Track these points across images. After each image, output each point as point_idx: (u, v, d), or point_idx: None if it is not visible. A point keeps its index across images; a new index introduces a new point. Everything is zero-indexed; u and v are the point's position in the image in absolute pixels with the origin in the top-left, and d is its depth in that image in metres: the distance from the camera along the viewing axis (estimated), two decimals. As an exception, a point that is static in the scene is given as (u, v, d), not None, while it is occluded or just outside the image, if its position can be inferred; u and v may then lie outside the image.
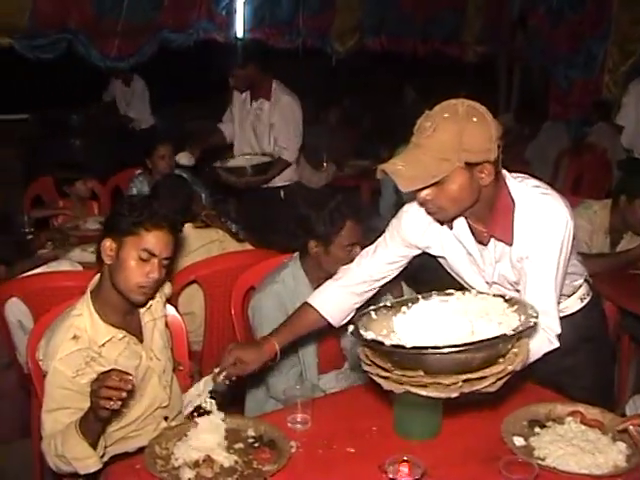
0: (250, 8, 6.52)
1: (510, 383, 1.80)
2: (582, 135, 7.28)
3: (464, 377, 1.69)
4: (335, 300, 2.39)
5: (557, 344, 2.08)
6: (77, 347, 2.18)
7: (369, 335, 1.76)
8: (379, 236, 2.37)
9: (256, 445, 2.02)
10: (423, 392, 1.71)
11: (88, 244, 3.94)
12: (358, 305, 2.39)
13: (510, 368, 1.75)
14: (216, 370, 2.24)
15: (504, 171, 2.08)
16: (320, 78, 5.38)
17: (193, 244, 3.43)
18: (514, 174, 2.14)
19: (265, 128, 4.74)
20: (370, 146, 7.35)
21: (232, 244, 3.54)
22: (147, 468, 1.85)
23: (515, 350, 1.79)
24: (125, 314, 2.31)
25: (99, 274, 2.29)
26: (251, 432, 2.08)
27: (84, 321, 2.23)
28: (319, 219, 2.64)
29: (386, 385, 1.76)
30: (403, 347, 1.68)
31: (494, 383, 1.73)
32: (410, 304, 1.92)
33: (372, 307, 1.93)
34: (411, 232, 2.25)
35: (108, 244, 2.21)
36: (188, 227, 3.41)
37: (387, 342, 1.73)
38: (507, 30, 8.40)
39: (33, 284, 2.99)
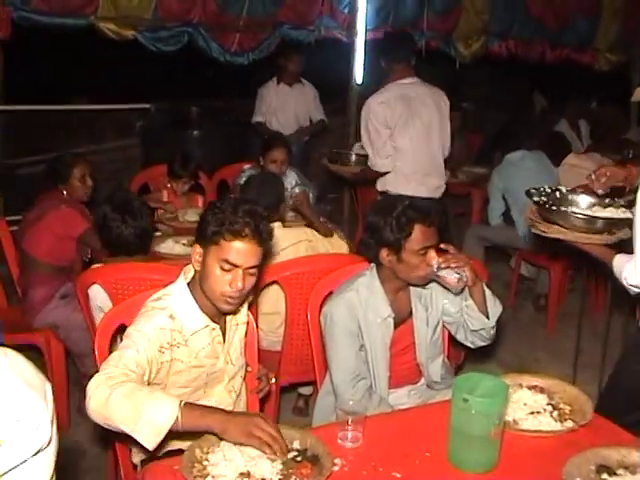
0: (373, 7, 6.43)
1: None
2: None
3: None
4: None
5: None
6: (171, 326, 2.18)
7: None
8: None
9: (299, 459, 1.95)
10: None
11: (182, 236, 4.00)
12: None
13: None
14: None
15: None
16: (442, 81, 5.24)
17: (281, 244, 3.40)
18: None
19: None
20: (490, 153, 7.11)
21: (321, 243, 3.49)
22: (182, 471, 1.82)
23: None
24: (215, 312, 2.29)
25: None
26: (296, 445, 2.00)
27: (180, 306, 2.23)
28: (386, 226, 2.54)
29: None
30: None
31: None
32: None
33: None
34: None
35: (197, 250, 2.20)
36: (277, 227, 3.38)
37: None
38: (643, 39, 7.94)
39: (115, 272, 3.05)
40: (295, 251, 3.43)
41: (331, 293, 2.96)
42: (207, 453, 1.93)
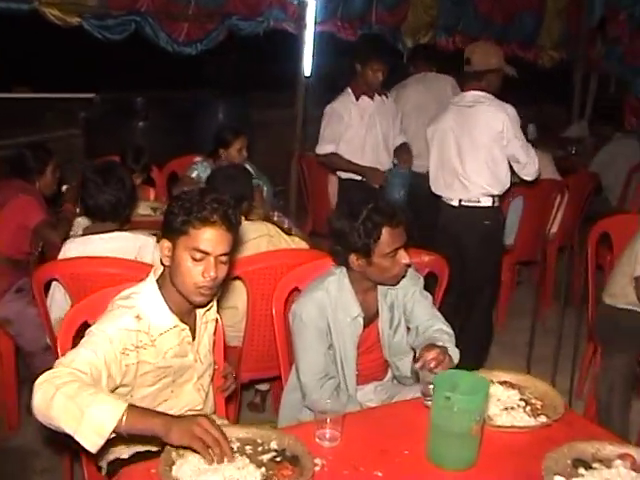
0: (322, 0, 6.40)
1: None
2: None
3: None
4: None
5: None
6: (136, 328, 2.11)
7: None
8: None
9: (278, 459, 1.91)
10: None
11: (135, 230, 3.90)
12: None
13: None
14: None
15: None
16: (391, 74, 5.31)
17: (242, 238, 3.34)
18: None
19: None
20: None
21: (283, 239, 3.44)
22: (159, 474, 1.76)
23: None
24: (185, 310, 2.24)
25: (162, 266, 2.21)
26: (274, 445, 1.97)
27: (148, 305, 2.16)
28: (354, 232, 2.50)
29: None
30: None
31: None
32: None
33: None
34: None
35: (165, 245, 2.14)
36: (239, 220, 3.33)
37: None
38: (586, 37, 8.13)
39: (73, 267, 2.95)
40: (256, 246, 3.37)
41: (296, 288, 2.94)
42: (182, 455, 1.87)
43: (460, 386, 1.93)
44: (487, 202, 4.00)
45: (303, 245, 3.61)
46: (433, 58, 5.80)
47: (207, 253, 2.08)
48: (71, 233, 3.49)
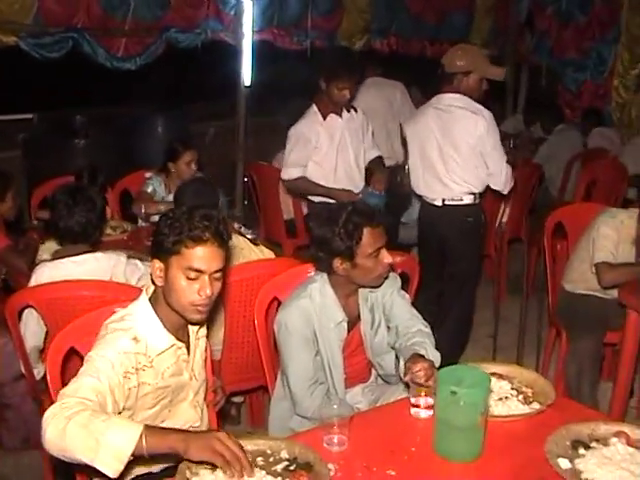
0: (258, 9, 6.44)
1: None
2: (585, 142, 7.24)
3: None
4: None
5: None
6: (135, 350, 2.10)
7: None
8: None
9: (292, 468, 1.93)
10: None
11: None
12: None
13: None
14: None
15: None
16: None
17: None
18: None
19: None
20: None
21: (253, 251, 3.45)
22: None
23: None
24: (180, 328, 2.24)
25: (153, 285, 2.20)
26: (284, 454, 1.98)
27: (144, 326, 2.15)
28: (335, 236, 2.53)
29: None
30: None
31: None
32: None
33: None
34: None
35: (157, 265, 2.12)
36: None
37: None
38: (515, 31, 8.36)
39: (48, 293, 2.89)
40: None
41: (275, 298, 2.96)
42: (196, 473, 1.87)
43: (464, 381, 1.99)
44: (469, 200, 4.08)
45: (272, 255, 3.63)
46: (377, 62, 5.87)
47: (201, 271, 2.07)
48: (37, 259, 3.42)
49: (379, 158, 4.67)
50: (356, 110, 4.47)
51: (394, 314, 2.78)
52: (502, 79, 4.15)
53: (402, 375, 2.48)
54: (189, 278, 2.08)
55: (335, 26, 7.13)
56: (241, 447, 1.83)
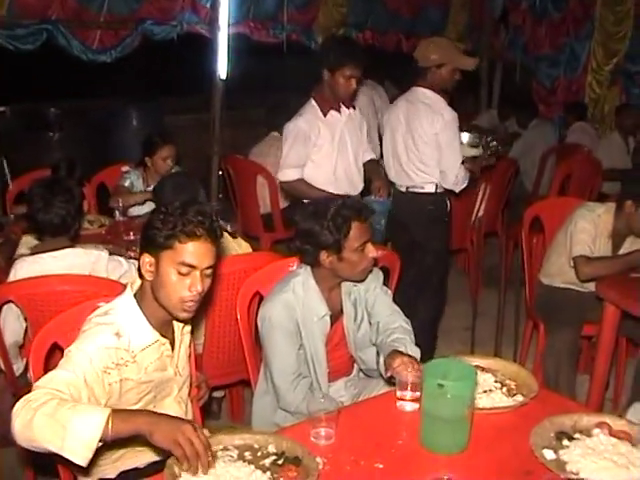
0: (235, 1, 6.38)
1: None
2: (565, 135, 7.30)
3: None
4: None
5: None
6: (116, 345, 2.08)
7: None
8: None
9: (280, 462, 1.93)
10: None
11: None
12: None
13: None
14: None
15: None
16: (305, 74, 5.40)
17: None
18: None
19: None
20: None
21: (231, 244, 3.44)
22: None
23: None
24: (165, 324, 2.23)
25: (140, 279, 2.18)
26: (272, 448, 1.99)
27: (128, 321, 2.13)
28: (323, 230, 2.54)
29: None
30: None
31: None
32: None
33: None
34: None
35: (147, 260, 2.11)
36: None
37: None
38: (489, 27, 8.41)
39: (28, 288, 2.86)
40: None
41: (257, 293, 2.95)
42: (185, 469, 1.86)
43: (450, 374, 2.00)
44: (430, 188, 4.09)
45: (249, 249, 3.61)
46: None
47: (194, 267, 2.07)
48: (16, 253, 3.37)
49: (374, 161, 4.40)
50: (354, 108, 4.18)
51: (376, 311, 2.80)
52: (474, 69, 4.15)
53: (383, 372, 2.51)
54: (180, 273, 2.07)
55: (311, 19, 7.10)
56: (205, 441, 1.82)
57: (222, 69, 6.52)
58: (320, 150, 4.01)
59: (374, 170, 4.29)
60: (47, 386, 1.88)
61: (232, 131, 7.34)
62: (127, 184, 4.62)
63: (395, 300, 2.88)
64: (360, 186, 4.23)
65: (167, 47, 6.40)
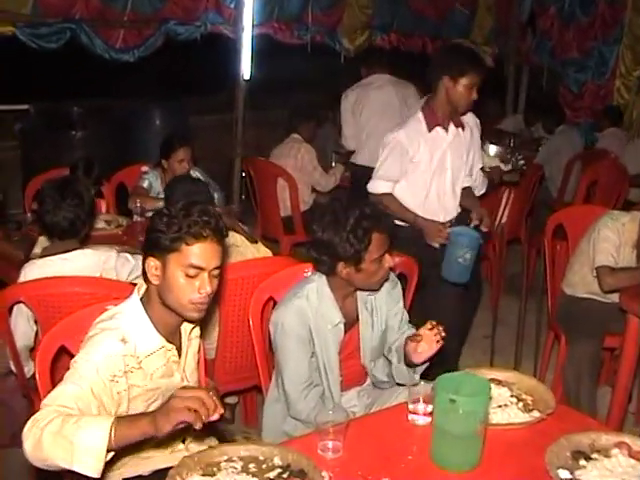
0: (259, 2, 6.37)
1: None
2: (592, 141, 7.18)
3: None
4: None
5: None
6: (123, 352, 2.04)
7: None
8: None
9: (285, 476, 1.87)
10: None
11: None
12: None
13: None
14: None
15: None
16: (329, 75, 5.38)
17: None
18: None
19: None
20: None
21: (249, 249, 3.40)
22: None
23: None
24: (172, 329, 2.18)
25: (145, 284, 2.14)
26: (277, 461, 1.93)
27: (133, 326, 2.09)
28: (343, 242, 2.46)
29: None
30: None
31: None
32: None
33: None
34: None
35: (152, 264, 2.07)
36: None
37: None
38: (516, 31, 8.31)
39: (39, 289, 2.83)
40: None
41: (270, 298, 2.90)
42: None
43: (463, 388, 1.94)
44: None
45: (269, 254, 3.57)
46: (387, 61, 5.75)
47: (202, 268, 2.03)
48: (32, 253, 3.36)
49: (469, 190, 3.96)
50: (463, 128, 3.80)
51: (390, 322, 2.77)
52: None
53: (406, 355, 2.54)
54: (188, 276, 2.03)
55: (336, 21, 7.08)
56: (201, 389, 1.79)
57: (246, 69, 6.53)
58: (416, 168, 3.74)
59: (471, 196, 3.95)
60: (54, 404, 1.85)
61: (255, 132, 7.33)
62: (145, 185, 4.59)
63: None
64: (454, 212, 3.88)
65: (191, 47, 6.40)
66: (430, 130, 3.70)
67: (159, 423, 1.73)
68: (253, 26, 6.41)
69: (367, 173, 4.91)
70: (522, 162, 4.31)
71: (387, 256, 2.53)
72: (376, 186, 3.80)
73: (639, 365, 3.62)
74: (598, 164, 6.02)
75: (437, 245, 3.62)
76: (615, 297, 3.47)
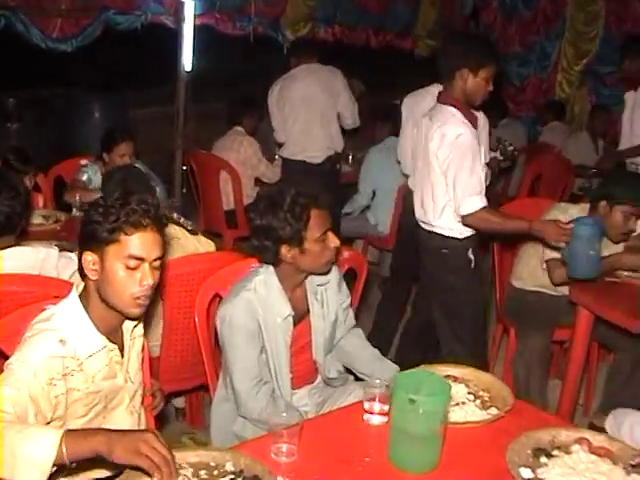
0: (201, -9, 6.22)
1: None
2: (536, 134, 7.23)
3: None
4: None
5: None
6: (61, 354, 1.91)
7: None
8: None
9: (238, 482, 1.78)
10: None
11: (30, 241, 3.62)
12: None
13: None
14: None
15: None
16: (271, 67, 5.30)
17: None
18: None
19: None
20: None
21: (190, 240, 3.28)
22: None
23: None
24: (113, 328, 2.06)
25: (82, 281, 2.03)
26: (230, 466, 1.83)
27: (73, 327, 1.97)
28: (281, 222, 2.40)
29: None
30: None
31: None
32: None
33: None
34: None
35: (89, 259, 1.95)
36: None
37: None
38: (460, 24, 8.32)
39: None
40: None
41: (217, 295, 2.80)
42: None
43: (423, 387, 1.87)
44: None
45: (211, 246, 3.45)
46: (314, 49, 5.66)
47: (142, 259, 1.93)
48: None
49: None
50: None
51: (339, 314, 2.73)
52: None
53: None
54: (129, 268, 1.93)
55: (279, 13, 6.95)
56: (169, 449, 1.67)
57: (187, 61, 6.37)
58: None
59: None
60: None
61: (196, 125, 7.18)
62: (84, 178, 4.43)
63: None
64: None
65: (131, 37, 6.22)
66: (474, 125, 3.35)
67: (116, 451, 1.62)
68: (195, 16, 6.25)
69: (292, 166, 4.87)
70: (511, 148, 4.29)
71: (331, 235, 2.46)
72: (473, 203, 3.20)
73: (587, 357, 3.64)
74: (542, 157, 6.06)
75: (563, 244, 3.17)
76: (565, 290, 3.47)
